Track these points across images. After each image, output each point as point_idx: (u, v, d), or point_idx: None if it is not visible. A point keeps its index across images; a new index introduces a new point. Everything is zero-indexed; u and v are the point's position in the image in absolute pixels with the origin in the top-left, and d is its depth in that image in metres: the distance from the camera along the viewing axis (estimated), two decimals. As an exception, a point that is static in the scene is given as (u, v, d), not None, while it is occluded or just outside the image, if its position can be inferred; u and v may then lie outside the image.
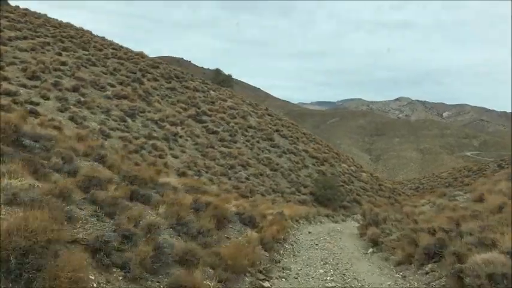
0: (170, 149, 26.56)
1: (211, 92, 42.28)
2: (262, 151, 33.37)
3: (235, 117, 37.40)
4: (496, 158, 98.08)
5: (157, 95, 35.18)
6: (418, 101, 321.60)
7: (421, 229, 11.07)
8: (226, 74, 59.81)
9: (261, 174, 29.01)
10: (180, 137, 29.33)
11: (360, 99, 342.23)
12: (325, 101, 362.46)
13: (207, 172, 25.76)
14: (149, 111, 30.84)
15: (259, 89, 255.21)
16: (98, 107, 27.22)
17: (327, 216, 25.44)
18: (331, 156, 38.87)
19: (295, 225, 17.49)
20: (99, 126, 24.25)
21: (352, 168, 39.11)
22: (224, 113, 37.41)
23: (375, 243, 13.22)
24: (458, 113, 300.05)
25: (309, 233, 16.51)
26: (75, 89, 27.87)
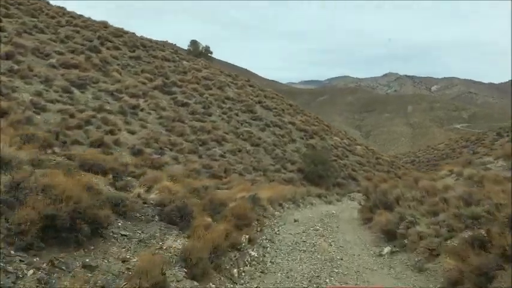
0: (126, 123, 21.87)
1: (184, 62, 37.35)
2: (242, 124, 28.81)
3: (210, 88, 32.66)
4: (486, 129, 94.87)
5: (118, 64, 30.24)
6: (406, 76, 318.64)
7: (475, 216, 6.72)
8: (204, 45, 54.57)
9: (240, 151, 24.53)
10: (142, 110, 24.61)
11: (348, 76, 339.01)
12: (313, 79, 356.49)
13: (171, 150, 21.18)
14: (104, 82, 25.98)
15: (245, 69, 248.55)
16: (36, 76, 22.31)
17: (319, 196, 21.14)
18: (321, 129, 34.46)
19: (276, 212, 13.10)
20: (31, 98, 19.44)
21: (345, 141, 34.76)
22: (198, 83, 32.63)
23: (390, 236, 8.89)
24: (447, 86, 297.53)
25: (295, 221, 12.14)
26: (8, 57, 22.85)
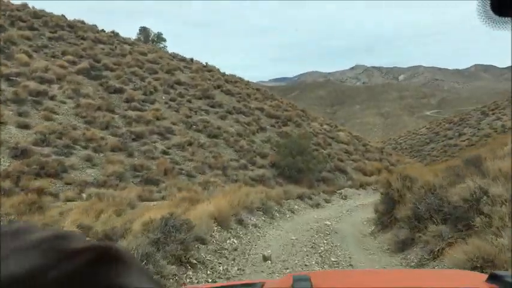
0: (20, 115, 15.27)
1: (125, 46, 30.66)
2: (196, 112, 22.55)
3: (156, 72, 26.22)
4: (453, 114, 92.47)
5: (30, 46, 23.44)
6: (373, 67, 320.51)
7: None
8: (156, 32, 47.78)
9: (191, 144, 18.26)
10: (52, 98, 18.01)
11: (316, 71, 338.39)
12: (282, 77, 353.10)
13: (85, 148, 14.71)
14: (3, 65, 19.22)
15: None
16: None
17: (301, 197, 15.15)
18: (296, 114, 28.53)
19: (231, 240, 6.96)
20: None
21: (325, 127, 28.95)
22: (140, 67, 26.13)
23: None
24: (413, 75, 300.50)
25: (265, 260, 6.04)
26: None
